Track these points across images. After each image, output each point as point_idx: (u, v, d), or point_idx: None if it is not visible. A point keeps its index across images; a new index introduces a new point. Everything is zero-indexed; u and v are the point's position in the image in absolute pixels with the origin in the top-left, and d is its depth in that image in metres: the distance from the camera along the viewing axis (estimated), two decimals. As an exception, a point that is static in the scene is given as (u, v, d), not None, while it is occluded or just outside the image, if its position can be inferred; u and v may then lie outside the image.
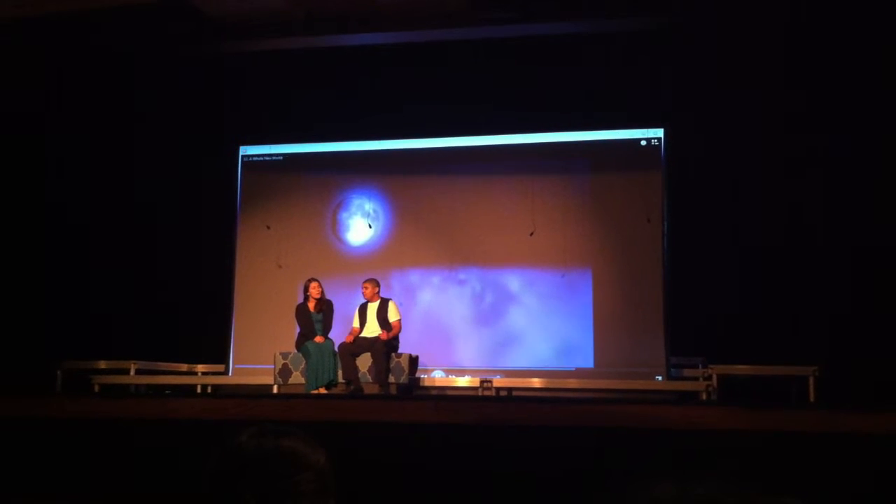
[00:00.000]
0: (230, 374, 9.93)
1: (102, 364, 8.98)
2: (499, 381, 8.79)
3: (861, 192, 8.24)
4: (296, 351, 8.57)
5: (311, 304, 8.65)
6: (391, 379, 8.35)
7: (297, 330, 8.68)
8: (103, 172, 9.47)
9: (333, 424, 4.74)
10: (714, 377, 8.07)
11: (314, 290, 8.66)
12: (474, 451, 4.48)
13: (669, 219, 9.33)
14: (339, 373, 8.36)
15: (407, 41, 9.43)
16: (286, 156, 10.55)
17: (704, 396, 8.01)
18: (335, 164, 10.42)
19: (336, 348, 8.42)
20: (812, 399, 7.63)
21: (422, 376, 9.01)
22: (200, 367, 9.75)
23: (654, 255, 9.34)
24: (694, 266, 8.86)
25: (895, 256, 7.84)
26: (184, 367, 9.61)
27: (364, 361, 8.38)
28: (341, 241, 10.27)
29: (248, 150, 10.56)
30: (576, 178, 9.78)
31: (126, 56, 9.18)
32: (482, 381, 8.62)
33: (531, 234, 9.62)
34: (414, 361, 8.76)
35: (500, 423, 4.75)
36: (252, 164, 10.58)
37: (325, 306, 8.70)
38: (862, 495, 3.91)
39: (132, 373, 9.01)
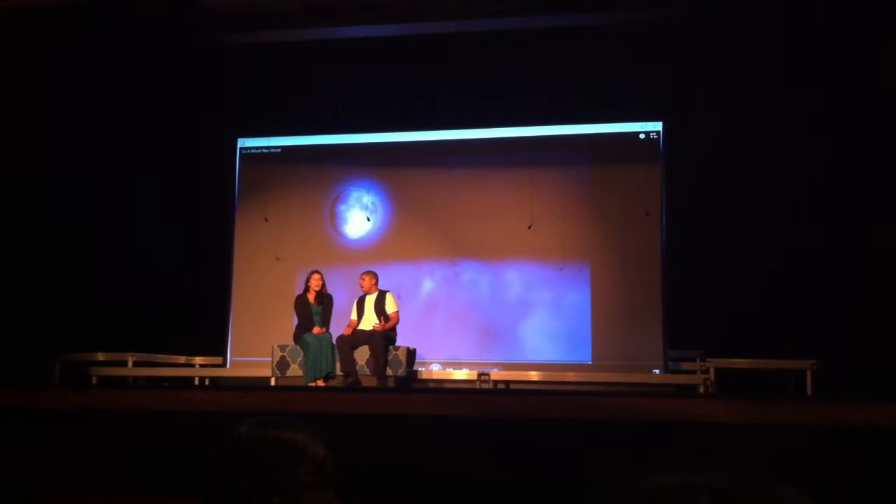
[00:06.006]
0: (228, 366, 9.94)
1: (100, 356, 8.96)
2: (496, 374, 8.80)
3: (859, 185, 8.23)
4: (294, 343, 8.57)
5: (311, 296, 8.64)
6: (389, 371, 8.35)
7: (296, 322, 8.68)
8: (102, 164, 9.45)
9: (332, 416, 4.74)
10: (712, 370, 8.07)
11: (314, 283, 8.65)
12: (472, 443, 4.48)
13: (668, 212, 9.34)
14: (338, 365, 8.37)
15: (406, 33, 9.41)
16: (285, 148, 10.55)
17: (702, 390, 8.02)
18: (334, 156, 10.42)
19: (334, 341, 8.42)
20: (810, 392, 7.64)
21: (420, 369, 9.02)
22: (198, 360, 9.75)
23: (653, 249, 9.35)
24: (692, 259, 8.86)
25: (893, 252, 7.84)
26: (182, 359, 9.60)
27: (362, 354, 8.38)
28: (339, 233, 10.27)
29: (246, 143, 10.56)
30: (574, 171, 9.78)
31: (124, 47, 9.15)
32: (480, 374, 8.62)
33: (529, 226, 9.62)
34: (412, 354, 8.76)
35: (497, 415, 4.76)
36: (250, 156, 10.57)
37: (325, 299, 8.70)
38: (859, 486, 3.92)
39: (130, 365, 9.00)
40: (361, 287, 8.70)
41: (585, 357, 9.34)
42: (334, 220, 10.29)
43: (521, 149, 9.94)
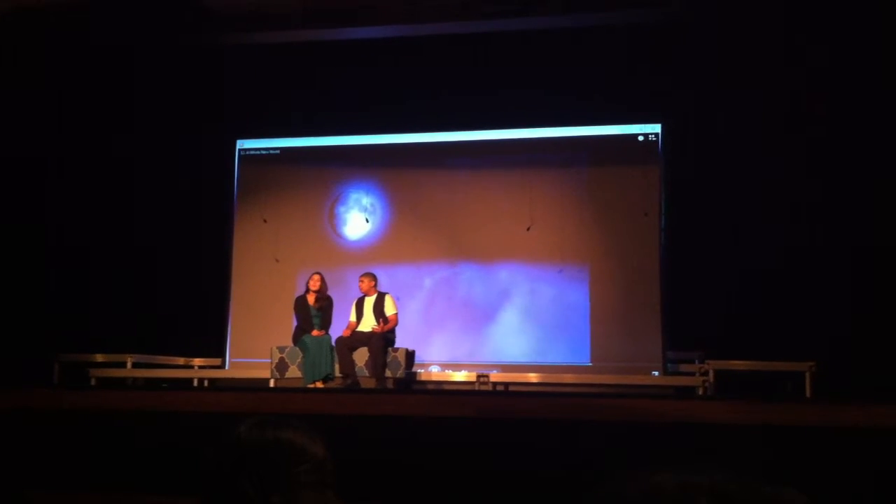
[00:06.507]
0: (227, 367, 9.92)
1: (99, 357, 8.96)
2: (495, 376, 8.79)
3: (859, 183, 8.24)
4: (293, 345, 8.56)
5: (311, 298, 8.63)
6: (388, 373, 8.34)
7: (295, 323, 8.68)
8: (102, 164, 9.45)
9: (331, 417, 4.74)
10: (711, 372, 8.07)
11: (312, 283, 8.65)
12: (471, 444, 4.48)
13: (667, 214, 9.33)
14: (336, 367, 8.36)
15: (405, 35, 9.42)
16: (283, 149, 10.54)
17: (701, 391, 8.02)
18: (333, 157, 10.42)
19: (333, 342, 8.41)
20: (808, 394, 7.64)
21: (419, 371, 9.01)
22: (197, 361, 9.73)
23: (652, 251, 9.34)
24: (691, 261, 8.86)
25: (893, 253, 7.85)
26: (180, 360, 9.60)
27: (361, 355, 8.38)
28: (338, 234, 10.26)
29: (245, 144, 10.55)
30: (573, 173, 9.78)
31: (124, 48, 9.16)
32: (479, 376, 8.62)
33: (528, 228, 9.61)
34: (411, 356, 8.75)
35: (496, 417, 4.76)
36: (249, 157, 10.56)
37: (325, 302, 8.68)
38: (859, 487, 3.92)
39: (129, 366, 8.99)
40: (360, 289, 8.70)
41: (584, 359, 9.33)
42: (333, 221, 10.28)
43: (520, 150, 9.93)
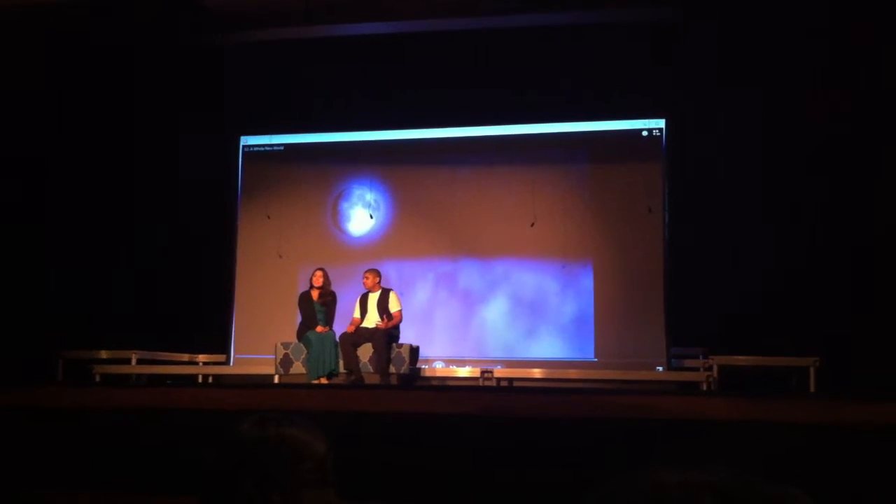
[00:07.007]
0: (231, 363, 9.93)
1: (103, 354, 8.97)
2: (499, 372, 8.79)
3: (861, 181, 8.22)
4: (297, 341, 8.57)
5: (315, 294, 8.65)
6: (392, 369, 8.36)
7: (299, 319, 8.69)
8: (104, 162, 9.46)
9: (334, 414, 4.74)
10: (715, 368, 8.07)
11: (315, 279, 8.67)
12: (474, 441, 4.48)
13: (670, 210, 9.32)
14: (341, 363, 8.37)
15: (408, 31, 9.41)
16: (287, 146, 10.54)
17: (705, 387, 8.01)
18: (336, 154, 10.41)
19: (337, 338, 8.43)
20: (813, 390, 7.63)
21: (422, 367, 9.02)
22: (201, 357, 9.75)
23: (655, 246, 9.33)
24: (695, 257, 8.85)
25: (893, 252, 7.83)
26: (185, 356, 9.61)
27: (365, 351, 8.39)
28: (342, 231, 10.26)
29: (248, 140, 10.55)
30: (577, 168, 9.77)
31: (126, 46, 9.16)
32: (483, 372, 8.62)
33: (532, 224, 9.60)
34: (415, 352, 8.76)
35: (500, 413, 4.76)
36: (253, 154, 10.56)
37: (329, 298, 8.70)
38: (861, 485, 3.91)
39: (133, 362, 9.01)
40: (364, 285, 8.71)
41: (588, 354, 9.33)
42: (337, 217, 10.28)
43: (523, 146, 9.93)
